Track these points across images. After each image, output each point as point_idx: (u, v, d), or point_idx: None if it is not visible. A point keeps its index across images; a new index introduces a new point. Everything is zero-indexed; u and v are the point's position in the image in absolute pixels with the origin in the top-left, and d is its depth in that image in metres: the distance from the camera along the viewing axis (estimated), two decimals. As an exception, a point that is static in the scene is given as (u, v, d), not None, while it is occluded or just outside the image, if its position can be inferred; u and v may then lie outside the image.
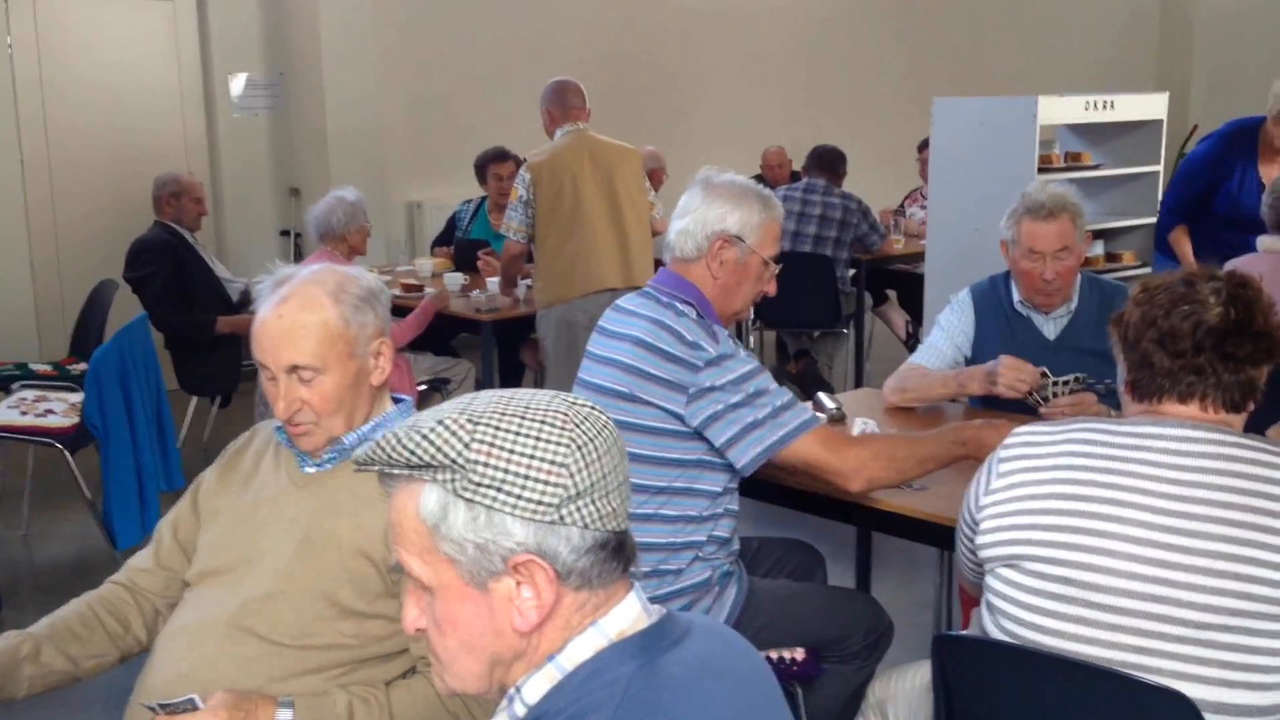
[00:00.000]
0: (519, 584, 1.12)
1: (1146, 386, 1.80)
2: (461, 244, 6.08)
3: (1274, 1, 11.82)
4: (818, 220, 5.99)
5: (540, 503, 1.11)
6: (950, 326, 3.13)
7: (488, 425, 1.12)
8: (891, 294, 7.02)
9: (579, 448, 1.13)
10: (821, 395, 3.11)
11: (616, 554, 1.15)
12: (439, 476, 1.12)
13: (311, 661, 1.75)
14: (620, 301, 2.49)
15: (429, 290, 5.28)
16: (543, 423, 1.13)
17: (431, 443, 1.11)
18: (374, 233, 5.16)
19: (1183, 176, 4.65)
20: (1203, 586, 1.63)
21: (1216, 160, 4.49)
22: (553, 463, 1.12)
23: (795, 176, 7.14)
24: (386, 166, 7.38)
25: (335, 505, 1.82)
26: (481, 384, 5.26)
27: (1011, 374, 2.78)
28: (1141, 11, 11.88)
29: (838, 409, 2.99)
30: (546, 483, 1.11)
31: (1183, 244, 4.56)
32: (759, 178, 7.56)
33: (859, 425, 2.71)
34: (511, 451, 1.11)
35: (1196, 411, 1.76)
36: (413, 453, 1.11)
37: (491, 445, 1.11)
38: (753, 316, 6.37)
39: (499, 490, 1.10)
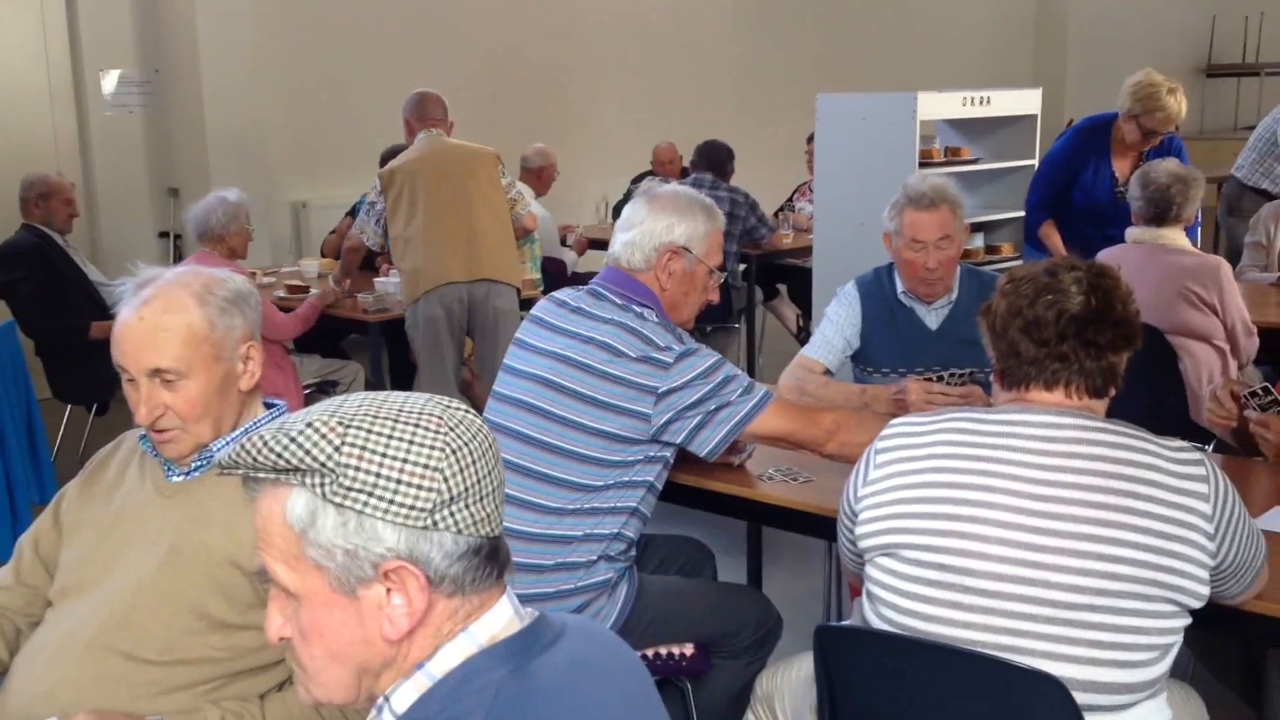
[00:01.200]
0: (389, 591, 1.10)
1: (1014, 375, 1.84)
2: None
3: (1141, 2, 12.28)
4: None
5: (413, 508, 1.09)
6: (839, 319, 3.18)
7: (359, 428, 1.10)
8: (782, 288, 7.09)
9: (453, 452, 1.11)
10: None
11: (490, 560, 1.14)
12: (308, 480, 1.09)
13: (180, 678, 1.70)
14: (560, 294, 2.49)
15: (314, 292, 5.18)
16: (416, 426, 1.11)
17: (300, 445, 1.09)
18: (258, 234, 5.04)
19: (1044, 172, 4.82)
20: (1070, 568, 1.68)
21: (1072, 155, 4.66)
22: (426, 467, 1.10)
23: (685, 172, 7.17)
24: (270, 165, 7.21)
25: (204, 514, 1.77)
26: (372, 385, 5.18)
27: (920, 401, 2.83)
28: (1017, 10, 12.21)
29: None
30: (420, 487, 1.09)
31: (1052, 237, 4.70)
32: (650, 174, 7.60)
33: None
34: (384, 455, 1.09)
35: (1062, 398, 1.81)
36: (280, 455, 1.09)
37: (364, 449, 1.09)
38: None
39: (370, 495, 1.08)
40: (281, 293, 5.20)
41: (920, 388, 2.86)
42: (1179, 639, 1.73)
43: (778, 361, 7.25)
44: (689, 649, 2.44)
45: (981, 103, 5.36)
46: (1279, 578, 1.92)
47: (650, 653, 2.41)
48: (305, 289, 5.25)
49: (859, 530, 1.87)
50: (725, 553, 3.25)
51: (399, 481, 1.09)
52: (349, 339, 5.80)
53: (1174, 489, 1.70)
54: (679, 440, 2.32)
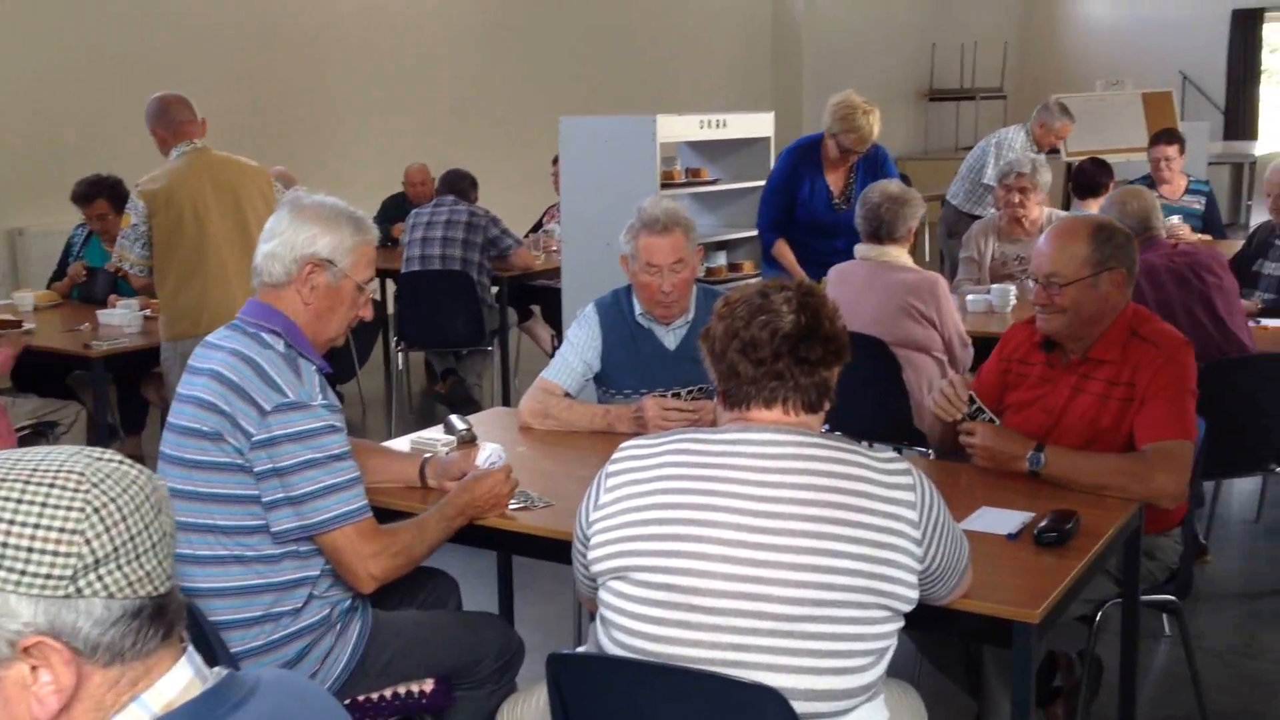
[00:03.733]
0: (34, 668, 1.01)
1: (735, 395, 1.88)
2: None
3: (864, 23, 13.05)
4: (444, 225, 5.98)
5: (49, 576, 1.01)
6: (579, 342, 3.20)
7: None
8: (535, 309, 7.10)
9: (95, 510, 1.03)
10: (452, 417, 3.07)
11: (154, 620, 1.06)
12: None
13: None
14: (209, 336, 2.34)
15: (29, 326, 4.80)
16: (51, 486, 1.03)
17: None
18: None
19: (767, 193, 5.04)
20: (789, 581, 1.72)
21: (789, 174, 4.91)
22: (63, 530, 1.02)
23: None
24: (-21, 190, 6.67)
25: None
26: (97, 425, 4.83)
27: (656, 417, 2.89)
28: (757, 37, 12.72)
29: (468, 430, 2.96)
30: (55, 554, 1.01)
31: (786, 255, 4.90)
32: (402, 195, 7.46)
33: (485, 451, 2.63)
34: (11, 522, 1.01)
35: (780, 415, 1.86)
36: None
37: None
38: (397, 338, 6.26)
39: None
40: (-11, 328, 4.78)
41: (656, 404, 2.93)
42: (893, 642, 1.81)
43: (533, 382, 7.24)
44: (429, 685, 2.37)
45: (718, 125, 5.53)
46: (986, 578, 2.03)
47: (389, 693, 2.34)
48: (18, 323, 4.85)
49: (591, 555, 1.87)
50: (477, 579, 3.20)
51: (30, 550, 1.00)
52: (73, 375, 5.40)
53: (883, 499, 1.78)
54: (264, 502, 2.18)
